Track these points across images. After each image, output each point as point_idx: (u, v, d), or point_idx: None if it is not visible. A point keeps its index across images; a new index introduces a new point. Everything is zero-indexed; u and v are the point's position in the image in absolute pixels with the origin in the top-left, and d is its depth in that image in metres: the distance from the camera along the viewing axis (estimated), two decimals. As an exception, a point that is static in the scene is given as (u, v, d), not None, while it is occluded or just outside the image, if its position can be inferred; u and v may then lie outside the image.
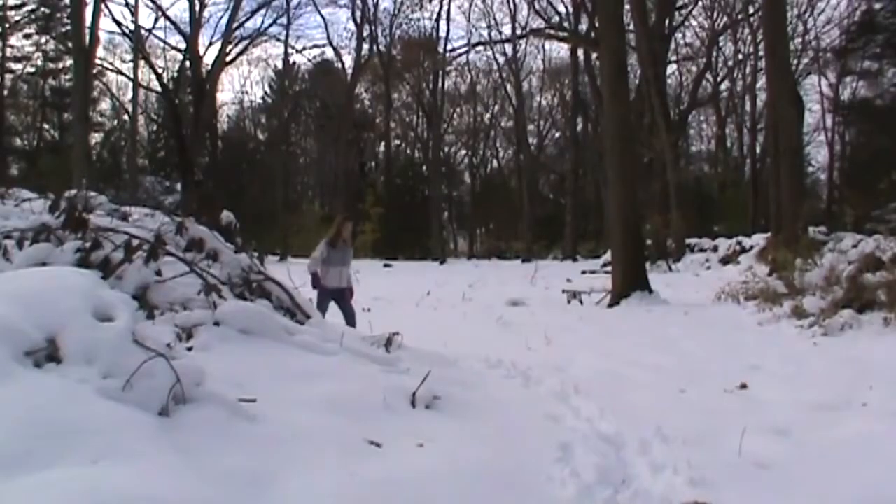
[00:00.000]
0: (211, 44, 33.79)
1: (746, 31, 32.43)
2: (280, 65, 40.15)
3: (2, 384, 2.33)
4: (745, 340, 8.02)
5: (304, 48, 46.99)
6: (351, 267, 7.84)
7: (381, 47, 38.68)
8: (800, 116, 16.48)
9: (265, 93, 45.91)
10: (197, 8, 31.53)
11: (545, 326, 8.70)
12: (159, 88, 33.27)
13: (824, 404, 4.74)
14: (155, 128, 44.11)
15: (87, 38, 22.53)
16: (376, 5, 37.32)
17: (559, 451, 3.58)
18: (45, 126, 40.88)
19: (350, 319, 7.38)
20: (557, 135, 45.65)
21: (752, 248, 20.22)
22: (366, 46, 35.96)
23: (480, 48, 39.85)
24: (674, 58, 33.53)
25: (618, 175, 13.41)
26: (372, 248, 37.41)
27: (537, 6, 32.85)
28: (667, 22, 27.76)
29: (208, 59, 32.78)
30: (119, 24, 29.80)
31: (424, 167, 43.55)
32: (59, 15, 34.21)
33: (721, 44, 34.30)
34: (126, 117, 40.86)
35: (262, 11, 34.24)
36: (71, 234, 4.36)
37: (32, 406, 2.29)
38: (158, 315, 4.01)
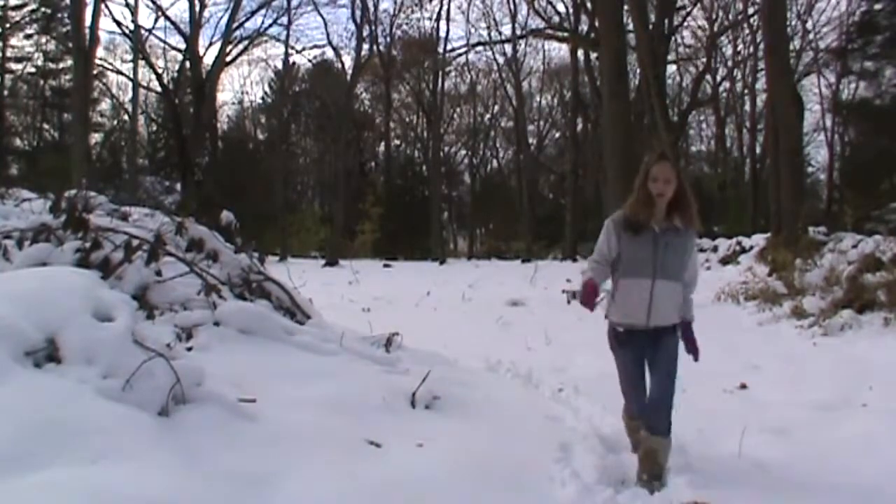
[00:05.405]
0: (211, 44, 33.75)
1: (746, 31, 32.42)
2: (280, 65, 40.13)
3: (2, 384, 2.33)
4: (745, 340, 8.01)
5: (304, 48, 47.06)
6: (679, 279, 3.77)
7: (381, 47, 38.61)
8: (800, 117, 16.43)
9: (265, 93, 45.89)
10: (197, 8, 31.50)
11: (545, 326, 8.69)
12: (159, 88, 33.26)
13: (824, 404, 4.74)
14: (155, 128, 44.09)
15: (87, 38, 22.51)
16: (376, 5, 37.19)
17: (559, 451, 3.58)
18: (45, 126, 40.84)
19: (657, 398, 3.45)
20: (557, 135, 45.62)
21: (752, 248, 20.14)
22: (366, 46, 35.84)
23: (480, 48, 39.91)
24: (674, 58, 33.50)
25: (618, 175, 13.40)
26: (372, 248, 37.43)
27: (537, 6, 32.87)
28: (667, 22, 27.73)
29: (208, 59, 32.75)
30: (119, 24, 29.79)
31: (424, 167, 43.52)
32: (59, 15, 34.14)
33: (721, 44, 34.29)
34: (126, 117, 40.84)
35: (262, 11, 34.17)
36: (71, 234, 4.36)
37: (32, 406, 2.29)
38: (158, 315, 4.01)
